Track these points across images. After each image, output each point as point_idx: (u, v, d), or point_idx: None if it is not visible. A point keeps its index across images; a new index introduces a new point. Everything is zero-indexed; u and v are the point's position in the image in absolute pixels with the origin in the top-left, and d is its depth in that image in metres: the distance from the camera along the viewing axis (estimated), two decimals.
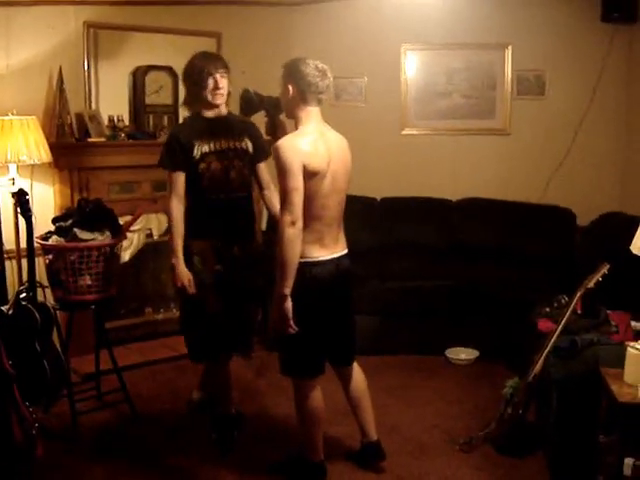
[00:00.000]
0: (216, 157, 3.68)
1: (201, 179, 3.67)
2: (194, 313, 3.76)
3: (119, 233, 4.17)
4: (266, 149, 3.75)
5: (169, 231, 3.75)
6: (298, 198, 3.07)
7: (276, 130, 3.57)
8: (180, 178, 3.67)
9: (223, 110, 3.78)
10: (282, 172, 3.07)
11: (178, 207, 3.67)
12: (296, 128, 3.24)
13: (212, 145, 3.69)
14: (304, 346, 3.29)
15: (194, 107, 3.79)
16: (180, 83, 3.98)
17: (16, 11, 4.65)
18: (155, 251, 5.48)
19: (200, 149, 3.66)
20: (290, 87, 3.19)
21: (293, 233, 3.06)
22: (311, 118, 3.22)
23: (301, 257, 3.15)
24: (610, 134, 5.75)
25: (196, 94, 3.71)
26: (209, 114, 3.74)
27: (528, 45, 5.77)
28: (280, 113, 3.55)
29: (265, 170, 3.87)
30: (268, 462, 3.63)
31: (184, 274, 3.65)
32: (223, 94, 3.72)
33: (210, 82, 3.66)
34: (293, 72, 3.19)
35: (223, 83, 3.71)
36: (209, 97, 3.68)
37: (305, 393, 3.36)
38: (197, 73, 3.67)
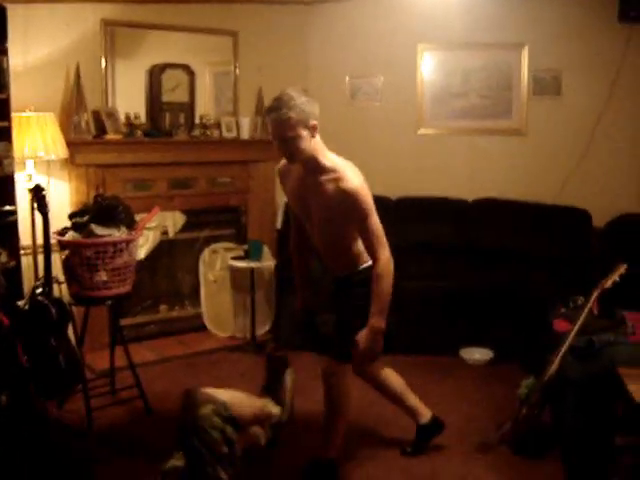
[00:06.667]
0: None
1: None
2: None
3: (135, 229, 4.18)
4: None
5: None
6: None
7: None
8: None
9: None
10: (369, 213, 3.07)
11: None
12: (313, 161, 3.10)
13: None
14: None
15: None
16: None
17: (34, 9, 4.68)
18: (170, 249, 5.51)
19: None
20: (314, 123, 3.02)
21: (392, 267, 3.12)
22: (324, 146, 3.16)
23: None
24: (627, 134, 5.68)
25: None
26: None
27: (544, 45, 5.73)
28: None
29: None
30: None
31: None
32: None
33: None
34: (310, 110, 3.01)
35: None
36: None
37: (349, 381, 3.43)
38: None
